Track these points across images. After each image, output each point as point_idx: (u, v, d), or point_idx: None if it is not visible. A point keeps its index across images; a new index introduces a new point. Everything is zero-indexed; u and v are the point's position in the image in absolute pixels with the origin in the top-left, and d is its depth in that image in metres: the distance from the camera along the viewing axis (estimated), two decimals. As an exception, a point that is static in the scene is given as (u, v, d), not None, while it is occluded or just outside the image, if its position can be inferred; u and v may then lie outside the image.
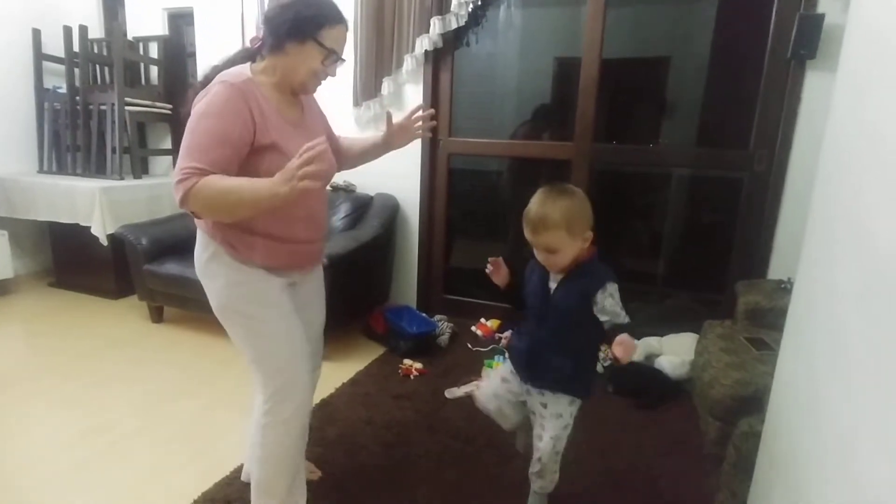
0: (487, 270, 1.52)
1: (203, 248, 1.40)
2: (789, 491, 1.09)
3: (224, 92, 1.23)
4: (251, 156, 1.27)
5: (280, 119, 1.32)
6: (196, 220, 1.40)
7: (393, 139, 1.62)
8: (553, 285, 1.44)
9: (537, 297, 1.47)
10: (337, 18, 1.33)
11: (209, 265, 1.39)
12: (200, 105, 1.24)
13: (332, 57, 1.34)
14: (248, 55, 1.40)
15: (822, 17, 2.28)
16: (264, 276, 1.38)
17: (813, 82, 2.40)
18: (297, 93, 1.41)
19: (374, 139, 1.65)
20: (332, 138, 1.59)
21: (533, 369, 1.50)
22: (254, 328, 1.40)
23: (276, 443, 1.43)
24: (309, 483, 1.73)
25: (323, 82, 1.41)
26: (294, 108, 1.41)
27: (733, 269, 2.74)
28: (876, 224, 0.85)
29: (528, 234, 1.41)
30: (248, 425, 1.73)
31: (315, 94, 1.48)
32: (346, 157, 1.66)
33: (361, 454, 1.93)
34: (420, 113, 1.62)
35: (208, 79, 1.32)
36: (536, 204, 1.40)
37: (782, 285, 2.34)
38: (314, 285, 1.62)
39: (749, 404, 1.66)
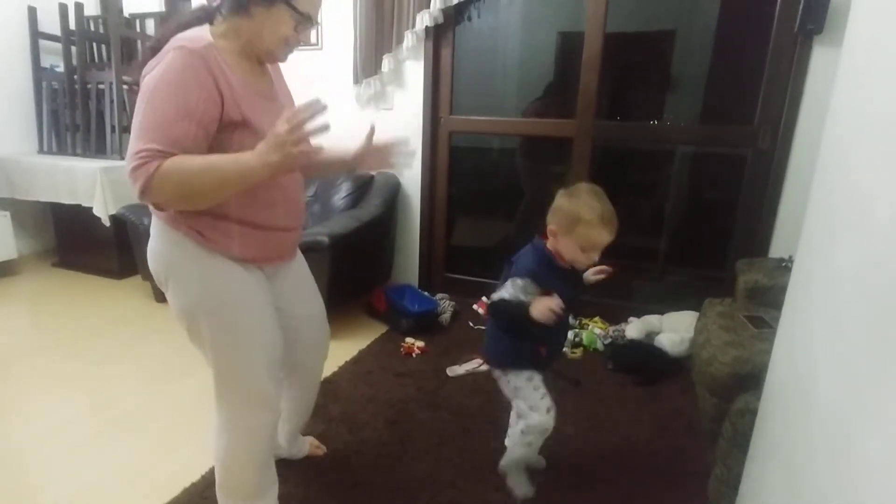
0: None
1: (162, 239, 1.20)
2: (783, 466, 1.10)
3: (181, 58, 1.04)
4: (218, 134, 1.10)
5: (248, 90, 1.14)
6: (152, 208, 1.18)
7: (364, 158, 1.41)
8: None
9: (568, 297, 1.43)
10: None
11: (173, 260, 1.19)
12: (153, 75, 1.04)
13: (306, 23, 1.16)
14: (205, 15, 1.18)
15: (830, -10, 2.23)
16: (237, 270, 1.21)
17: (820, 57, 2.36)
18: (264, 62, 1.24)
19: (342, 153, 1.43)
20: None
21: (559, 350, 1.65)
22: (228, 331, 1.22)
23: (242, 448, 1.32)
24: (312, 459, 1.78)
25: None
26: (262, 77, 1.23)
27: (735, 246, 2.74)
28: (876, 204, 0.85)
29: (605, 237, 1.39)
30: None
31: (283, 65, 1.31)
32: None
33: (364, 431, 1.96)
34: (406, 147, 1.44)
35: (161, 43, 1.11)
36: (603, 205, 1.39)
37: (783, 264, 2.34)
38: (299, 276, 1.46)
39: (746, 382, 1.68)
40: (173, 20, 1.20)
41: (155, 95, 1.03)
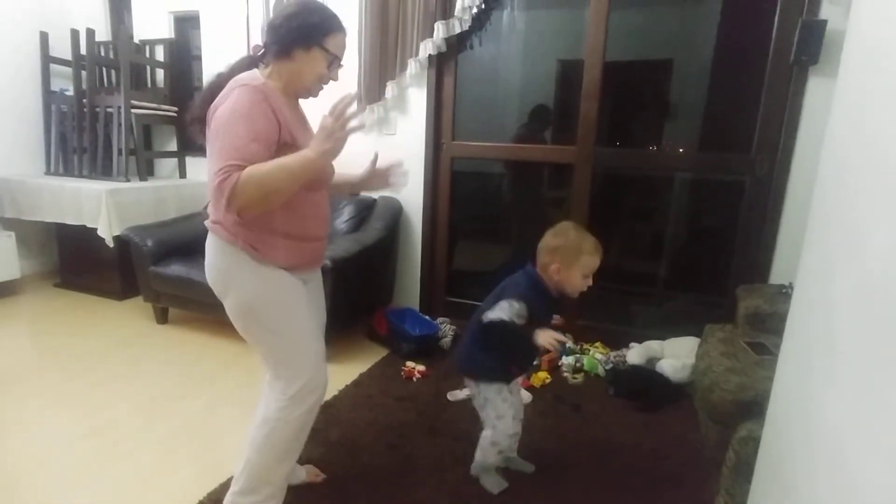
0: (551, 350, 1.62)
1: (221, 255, 1.42)
2: (786, 495, 1.10)
3: (247, 94, 1.28)
4: (274, 153, 1.31)
5: (293, 119, 1.39)
6: (211, 226, 1.42)
7: (369, 180, 1.67)
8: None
9: (545, 322, 1.62)
10: (339, 26, 1.41)
11: (231, 271, 1.41)
12: (224, 110, 1.28)
13: (336, 62, 1.42)
14: (251, 62, 1.44)
15: (824, 23, 2.28)
16: (286, 276, 1.43)
17: (815, 88, 2.41)
18: (301, 97, 1.48)
19: (349, 176, 1.69)
20: None
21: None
22: (281, 331, 1.44)
23: (288, 437, 1.48)
24: (312, 485, 1.76)
25: (325, 87, 1.47)
26: (297, 111, 1.49)
27: (735, 273, 2.75)
28: (870, 232, 0.87)
29: (597, 263, 1.61)
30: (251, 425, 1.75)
31: (304, 104, 1.55)
32: None
33: (364, 455, 1.94)
34: (401, 169, 1.68)
35: (215, 86, 1.37)
36: (587, 236, 1.61)
37: (783, 290, 2.35)
38: (316, 285, 1.67)
39: (749, 409, 1.67)
40: (227, 67, 1.44)
41: (230, 124, 1.26)
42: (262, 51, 1.43)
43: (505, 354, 1.67)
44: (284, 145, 1.32)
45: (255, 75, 1.35)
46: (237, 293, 1.42)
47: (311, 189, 1.42)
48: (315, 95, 1.47)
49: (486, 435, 1.75)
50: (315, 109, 1.51)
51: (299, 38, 1.35)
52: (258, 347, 1.49)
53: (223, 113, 1.28)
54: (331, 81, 1.46)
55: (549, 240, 1.63)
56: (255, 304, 1.42)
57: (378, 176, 1.66)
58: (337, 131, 1.25)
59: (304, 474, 1.78)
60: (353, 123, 1.28)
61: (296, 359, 1.46)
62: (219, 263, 1.43)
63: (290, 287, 1.45)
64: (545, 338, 1.51)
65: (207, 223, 1.44)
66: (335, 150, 1.28)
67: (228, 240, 1.39)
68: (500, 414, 1.70)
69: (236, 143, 1.24)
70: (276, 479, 1.53)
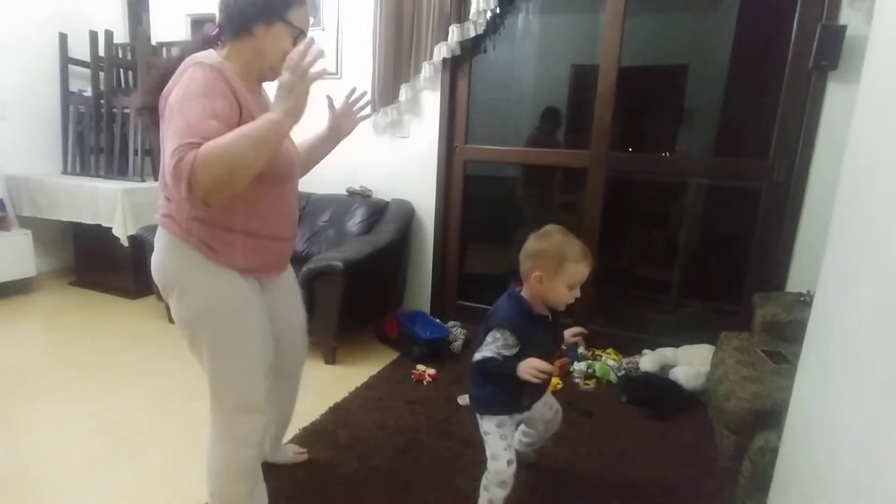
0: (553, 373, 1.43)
1: (172, 253, 1.28)
2: (806, 508, 1.07)
3: (201, 71, 1.15)
4: None
5: (255, 104, 1.25)
6: (162, 220, 1.29)
7: (338, 126, 1.54)
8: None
9: (545, 344, 1.50)
10: None
11: (183, 272, 1.28)
12: (178, 90, 1.14)
13: (301, 37, 1.28)
14: (203, 44, 1.30)
15: (844, 28, 2.25)
16: (241, 281, 1.30)
17: (835, 93, 2.37)
18: (266, 79, 1.33)
19: (318, 133, 1.57)
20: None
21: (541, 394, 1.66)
22: (228, 342, 1.30)
23: (237, 455, 1.38)
24: (320, 486, 1.75)
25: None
26: (260, 96, 1.35)
27: (751, 280, 2.71)
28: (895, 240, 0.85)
29: (586, 271, 1.43)
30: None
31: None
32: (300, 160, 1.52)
33: (373, 458, 1.93)
34: (355, 95, 1.56)
35: (166, 70, 1.24)
36: (579, 241, 1.44)
37: (801, 298, 2.31)
38: (289, 284, 1.56)
39: (766, 418, 1.64)
40: (177, 49, 1.31)
41: (183, 104, 1.11)
42: (216, 31, 1.29)
43: (509, 386, 1.48)
44: None
45: (210, 54, 1.22)
46: (186, 296, 1.28)
47: (277, 183, 1.31)
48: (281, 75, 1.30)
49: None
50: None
51: (259, 12, 1.22)
52: (200, 357, 1.33)
53: (176, 95, 1.13)
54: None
55: (530, 244, 1.47)
56: (206, 311, 1.28)
57: (345, 115, 1.54)
58: (297, 84, 1.10)
59: (290, 454, 1.86)
60: (313, 71, 1.12)
61: (237, 377, 1.33)
62: (169, 262, 1.29)
63: (246, 293, 1.31)
64: (526, 370, 1.37)
65: (157, 217, 1.30)
66: (299, 107, 1.12)
67: (181, 236, 1.25)
68: (493, 453, 1.53)
69: (191, 121, 1.08)
70: (240, 497, 1.41)
